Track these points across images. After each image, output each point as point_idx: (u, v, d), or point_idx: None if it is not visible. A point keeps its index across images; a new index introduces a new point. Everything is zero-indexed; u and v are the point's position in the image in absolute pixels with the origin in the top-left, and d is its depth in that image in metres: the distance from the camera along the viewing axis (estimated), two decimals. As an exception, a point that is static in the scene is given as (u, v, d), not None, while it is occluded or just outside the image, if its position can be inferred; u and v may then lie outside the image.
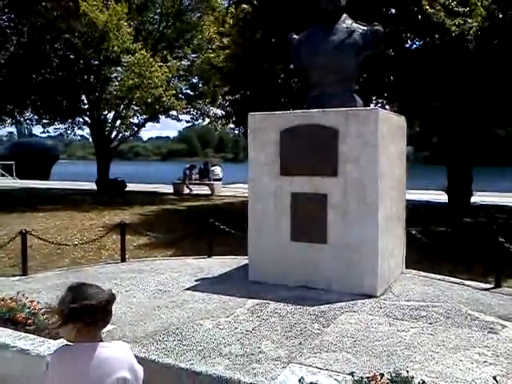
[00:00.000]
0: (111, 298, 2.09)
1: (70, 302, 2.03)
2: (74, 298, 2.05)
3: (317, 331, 4.36)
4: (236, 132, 20.90)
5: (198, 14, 21.03)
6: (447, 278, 6.41)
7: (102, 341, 2.10)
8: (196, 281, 6.19)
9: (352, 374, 2.87)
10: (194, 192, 21.35)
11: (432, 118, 14.11)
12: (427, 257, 7.84)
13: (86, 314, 2.01)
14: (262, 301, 5.25)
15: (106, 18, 17.42)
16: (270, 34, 7.11)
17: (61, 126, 22.68)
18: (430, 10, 9.41)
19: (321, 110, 5.62)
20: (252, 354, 3.88)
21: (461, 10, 9.85)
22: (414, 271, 6.76)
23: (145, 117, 21.84)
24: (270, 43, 6.67)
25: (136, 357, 2.22)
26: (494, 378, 2.69)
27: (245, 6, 12.57)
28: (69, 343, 2.09)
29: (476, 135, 13.90)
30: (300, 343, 4.08)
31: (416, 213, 7.31)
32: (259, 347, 4.02)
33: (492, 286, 5.95)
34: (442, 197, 15.22)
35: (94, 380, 1.97)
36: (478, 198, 15.12)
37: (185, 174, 21.87)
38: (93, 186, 21.94)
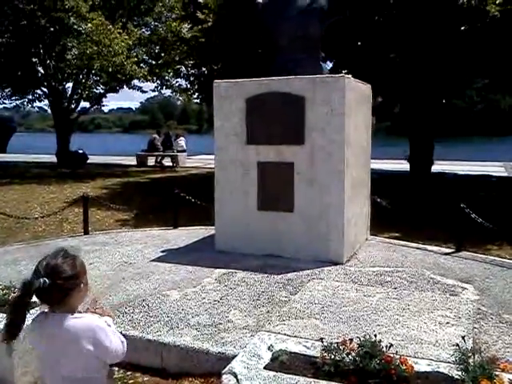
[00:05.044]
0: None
1: None
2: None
3: (284, 299, 4.38)
4: (199, 102, 20.54)
5: None
6: (410, 243, 6.55)
7: (77, 312, 2.12)
8: (162, 252, 6.12)
9: (321, 339, 2.88)
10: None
11: (395, 89, 14.22)
12: (391, 224, 7.97)
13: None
14: (229, 270, 5.23)
15: None
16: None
17: (17, 97, 21.77)
18: None
19: (287, 77, 5.54)
20: (220, 324, 3.87)
21: None
22: (378, 238, 6.89)
23: (105, 87, 21.13)
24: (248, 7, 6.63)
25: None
26: (463, 337, 2.75)
27: None
28: (46, 311, 2.12)
29: (436, 106, 14.09)
30: (268, 311, 4.10)
31: (379, 181, 7.39)
32: (227, 316, 4.01)
33: (453, 250, 6.12)
34: (402, 166, 15.47)
35: (59, 345, 2.04)
36: (438, 166, 15.44)
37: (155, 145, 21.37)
38: (53, 158, 21.30)
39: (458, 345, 2.64)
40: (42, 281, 1.98)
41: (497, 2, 8.07)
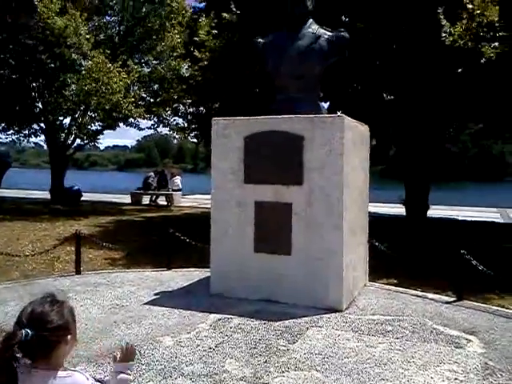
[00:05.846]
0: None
1: None
2: None
3: (283, 348, 4.19)
4: (196, 141, 20.60)
5: (158, 21, 20.61)
6: (409, 291, 6.40)
7: (61, 369, 1.91)
8: (155, 294, 5.93)
9: (324, 395, 2.72)
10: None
11: (389, 132, 14.35)
12: (388, 269, 7.83)
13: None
14: (224, 316, 5.05)
15: (63, 24, 16.90)
16: (249, 38, 7.01)
17: (13, 132, 21.78)
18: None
19: (286, 116, 5.51)
20: (216, 374, 3.68)
21: None
22: (376, 284, 6.74)
23: (102, 124, 21.20)
24: (247, 47, 6.82)
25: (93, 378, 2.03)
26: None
27: (225, 14, 12.51)
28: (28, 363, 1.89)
29: (430, 150, 14.17)
30: (266, 361, 3.91)
31: (374, 224, 7.29)
32: (223, 366, 3.83)
33: (454, 299, 5.96)
34: (397, 210, 15.44)
35: None
36: (433, 211, 15.40)
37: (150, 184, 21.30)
38: (46, 194, 21.13)
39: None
40: (24, 332, 1.77)
41: (492, 45, 8.11)
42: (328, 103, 13.60)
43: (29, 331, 1.79)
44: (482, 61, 8.20)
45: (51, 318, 1.86)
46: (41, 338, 1.80)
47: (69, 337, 1.92)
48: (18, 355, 1.83)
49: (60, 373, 1.88)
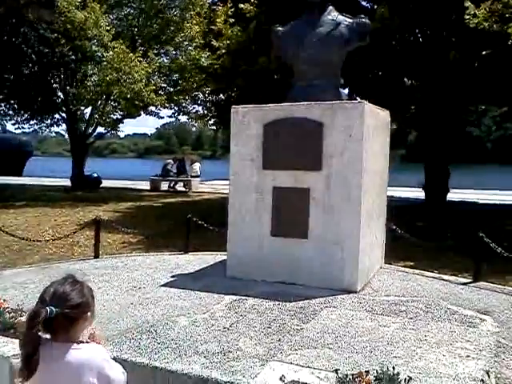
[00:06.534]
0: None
1: None
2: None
3: (296, 327, 4.23)
4: (215, 129, 20.66)
5: (177, 12, 20.54)
6: (425, 272, 6.38)
7: (79, 342, 2.04)
8: (172, 277, 6.02)
9: (336, 371, 2.75)
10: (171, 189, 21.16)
11: (410, 117, 14.21)
12: (405, 252, 7.81)
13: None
14: (239, 297, 5.11)
15: (83, 17, 17.03)
16: (266, 26, 6.98)
17: (35, 122, 22.14)
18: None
19: (305, 102, 5.48)
20: (229, 352, 3.74)
21: None
22: (392, 266, 6.73)
23: (123, 113, 21.33)
24: (264, 36, 6.84)
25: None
26: (487, 372, 2.61)
27: (242, 5, 12.50)
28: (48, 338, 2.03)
29: (451, 134, 14.00)
30: (279, 340, 3.96)
31: (393, 208, 7.26)
32: (237, 344, 3.88)
33: (470, 280, 5.94)
34: (417, 193, 15.31)
35: (59, 378, 1.96)
36: (454, 194, 15.24)
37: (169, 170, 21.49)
38: (67, 182, 21.48)
39: (482, 380, 2.49)
40: (48, 310, 1.90)
41: None
42: (347, 89, 13.50)
43: (53, 309, 1.91)
44: (509, 42, 7.97)
45: (72, 297, 1.99)
46: (63, 314, 1.94)
47: (88, 314, 2.06)
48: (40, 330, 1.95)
49: (76, 345, 2.00)
